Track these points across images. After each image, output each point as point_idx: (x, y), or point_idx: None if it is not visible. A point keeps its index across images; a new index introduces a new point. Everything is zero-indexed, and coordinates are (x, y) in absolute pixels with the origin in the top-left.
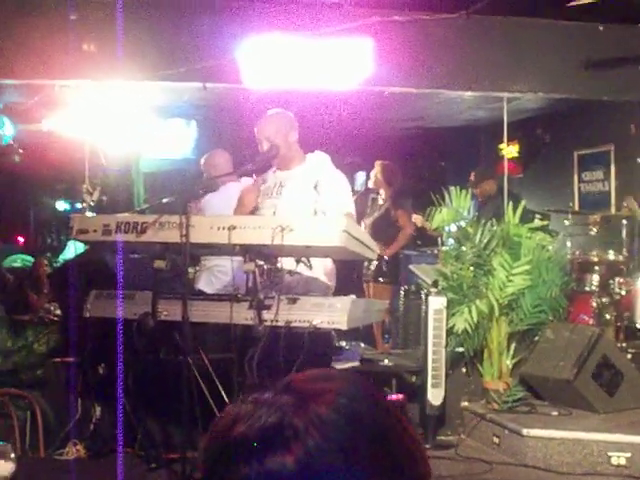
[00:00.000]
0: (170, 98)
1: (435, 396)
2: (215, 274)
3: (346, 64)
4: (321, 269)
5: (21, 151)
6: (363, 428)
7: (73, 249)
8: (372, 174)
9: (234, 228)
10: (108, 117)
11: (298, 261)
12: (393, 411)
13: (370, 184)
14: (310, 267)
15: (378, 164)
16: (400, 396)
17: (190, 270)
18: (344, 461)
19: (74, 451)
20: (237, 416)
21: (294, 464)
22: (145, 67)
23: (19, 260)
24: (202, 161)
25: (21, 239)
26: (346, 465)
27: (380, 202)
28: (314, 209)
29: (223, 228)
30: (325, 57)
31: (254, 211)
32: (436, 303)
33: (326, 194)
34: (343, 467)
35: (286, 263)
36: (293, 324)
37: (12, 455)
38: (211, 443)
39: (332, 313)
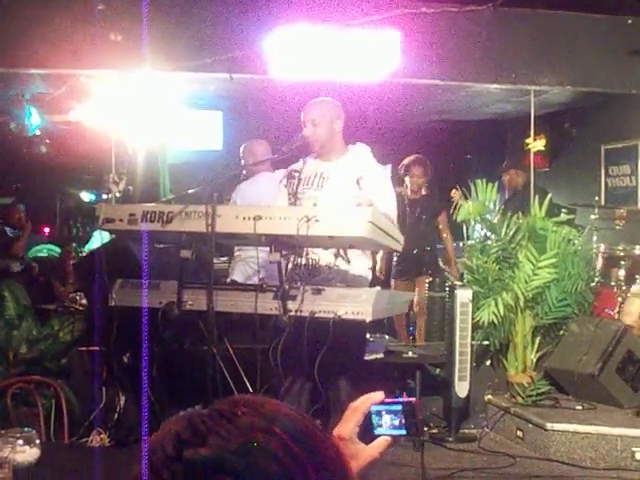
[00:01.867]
0: (196, 89)
1: (461, 389)
2: (250, 265)
3: (373, 56)
4: (358, 263)
5: (48, 141)
6: (261, 435)
7: (99, 239)
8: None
9: (260, 218)
10: (134, 108)
11: (336, 255)
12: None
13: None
14: (348, 261)
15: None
16: (413, 399)
17: (217, 260)
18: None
19: (98, 439)
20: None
21: (209, 454)
22: (171, 58)
23: (45, 250)
24: (242, 148)
25: (47, 229)
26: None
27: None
28: (356, 205)
29: (249, 218)
30: (352, 49)
31: (294, 201)
32: (462, 296)
33: (368, 191)
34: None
35: (324, 257)
36: (317, 314)
37: (37, 442)
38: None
39: (357, 304)
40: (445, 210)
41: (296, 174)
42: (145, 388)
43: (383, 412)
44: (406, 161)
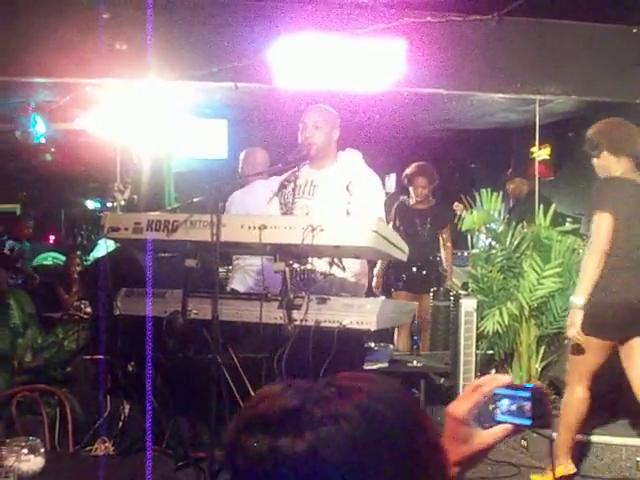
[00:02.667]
0: (202, 98)
1: None
2: (249, 273)
3: (378, 65)
4: (353, 271)
5: (53, 150)
6: (381, 431)
7: (104, 247)
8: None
9: (265, 227)
10: (140, 116)
11: (331, 263)
12: (421, 421)
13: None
14: (343, 269)
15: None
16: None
17: (221, 269)
18: (353, 457)
19: (103, 448)
20: (265, 394)
21: (304, 449)
22: (177, 66)
23: (50, 258)
24: (241, 157)
25: (52, 237)
26: (354, 462)
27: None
28: (347, 210)
29: (254, 227)
30: (357, 58)
31: (286, 211)
32: (467, 305)
33: (358, 195)
34: (351, 463)
35: (319, 265)
36: (322, 324)
37: (42, 450)
38: (238, 417)
39: (362, 314)
40: (451, 221)
41: (289, 184)
42: (149, 397)
43: (507, 397)
44: (409, 170)
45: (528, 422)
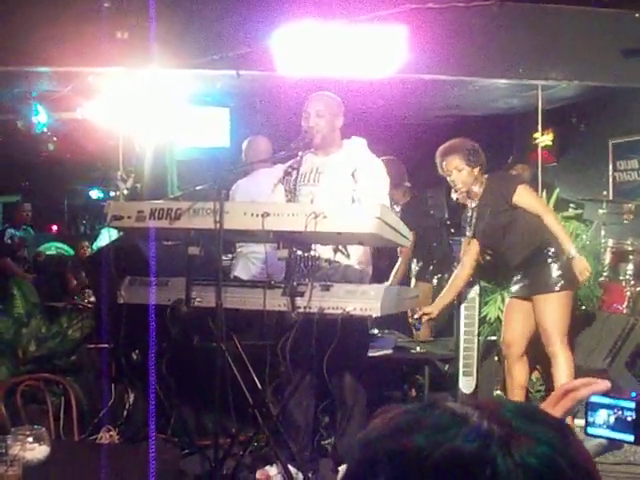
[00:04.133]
0: (203, 86)
1: (466, 385)
2: (252, 261)
3: (380, 52)
4: (357, 257)
5: (55, 139)
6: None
7: (107, 236)
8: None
9: (268, 215)
10: (142, 105)
11: (335, 250)
12: (593, 473)
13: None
14: (347, 255)
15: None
16: None
17: (224, 257)
18: None
19: (107, 437)
20: (415, 423)
21: None
22: (178, 55)
23: (53, 248)
24: (244, 145)
25: (55, 227)
26: None
27: None
28: (352, 197)
29: (257, 215)
30: (359, 45)
31: (291, 198)
32: (469, 292)
33: (363, 182)
34: None
35: (323, 252)
36: (326, 311)
37: (47, 439)
38: (377, 445)
39: (365, 300)
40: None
41: (293, 171)
42: (153, 385)
43: (605, 407)
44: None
45: (631, 438)
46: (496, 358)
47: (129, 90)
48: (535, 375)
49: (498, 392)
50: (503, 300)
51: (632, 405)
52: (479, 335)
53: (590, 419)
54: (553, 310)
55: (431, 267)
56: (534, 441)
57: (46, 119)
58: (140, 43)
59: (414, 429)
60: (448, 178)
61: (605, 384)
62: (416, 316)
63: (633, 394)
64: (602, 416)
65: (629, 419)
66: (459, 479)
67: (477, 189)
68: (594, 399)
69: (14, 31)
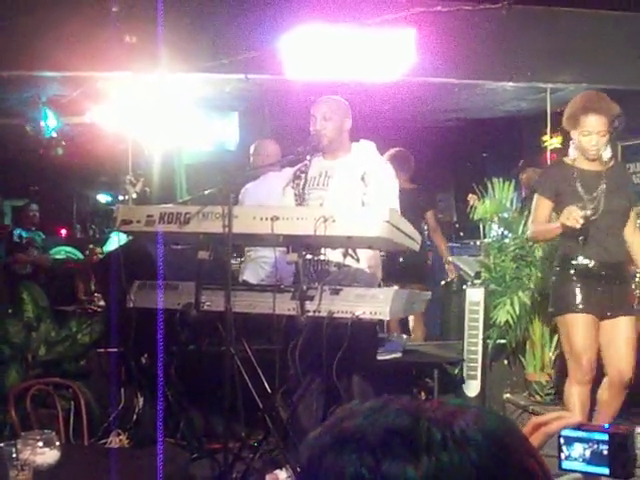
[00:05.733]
0: (212, 90)
1: (470, 388)
2: (260, 265)
3: (388, 55)
4: (367, 260)
5: (64, 143)
6: (504, 457)
7: (116, 241)
8: None
9: (277, 219)
10: (150, 109)
11: (345, 254)
12: (529, 447)
13: None
14: (357, 260)
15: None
16: (625, 428)
17: (235, 261)
18: None
19: (117, 440)
20: (355, 410)
21: (418, 476)
22: (187, 59)
23: (63, 252)
24: (251, 149)
25: (64, 231)
26: None
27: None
28: (361, 200)
29: (266, 219)
30: (367, 48)
31: (300, 202)
32: (473, 295)
33: (373, 186)
34: None
35: (333, 256)
36: (336, 315)
37: (57, 443)
38: (320, 433)
39: (375, 304)
40: (432, 210)
41: (302, 174)
42: (163, 389)
43: (578, 440)
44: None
45: (606, 471)
46: (505, 362)
47: (138, 94)
48: (545, 379)
49: (508, 396)
50: (512, 303)
51: (605, 438)
52: (488, 338)
53: (565, 453)
54: (634, 334)
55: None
56: (470, 414)
57: (55, 123)
58: (148, 47)
59: (353, 415)
60: (586, 136)
61: (576, 418)
62: None
63: (606, 426)
64: (577, 450)
65: (604, 452)
66: (395, 454)
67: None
68: (567, 433)
69: (23, 36)
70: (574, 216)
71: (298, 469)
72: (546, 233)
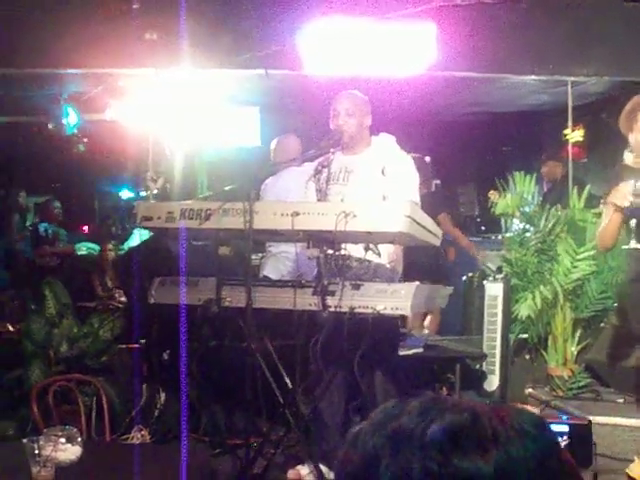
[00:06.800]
0: (233, 86)
1: (489, 383)
2: (281, 260)
3: (409, 50)
4: (389, 255)
5: (86, 140)
6: (556, 449)
7: (138, 237)
8: None
9: (297, 214)
10: (171, 106)
11: (366, 249)
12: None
13: None
14: (379, 254)
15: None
16: (585, 419)
17: (255, 257)
18: (536, 478)
19: (139, 436)
20: (405, 409)
21: (491, 468)
22: (207, 55)
23: (85, 248)
24: (272, 145)
25: (86, 228)
26: None
27: None
28: (382, 195)
29: (286, 214)
30: (388, 42)
31: (321, 197)
32: (492, 289)
33: (393, 179)
34: None
35: (354, 250)
36: (357, 310)
37: (79, 439)
38: (369, 434)
39: (396, 299)
40: (445, 212)
41: (324, 169)
42: (184, 385)
43: None
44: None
45: None
46: (527, 356)
47: (158, 91)
48: (567, 373)
49: (530, 390)
50: (534, 297)
51: (566, 429)
52: (510, 333)
53: None
54: None
55: None
56: (524, 416)
57: (76, 121)
58: (169, 44)
59: (404, 414)
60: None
61: (531, 408)
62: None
63: (564, 417)
64: None
65: (563, 444)
66: (463, 449)
67: None
68: None
69: (44, 33)
70: (622, 192)
71: (348, 470)
72: (603, 231)
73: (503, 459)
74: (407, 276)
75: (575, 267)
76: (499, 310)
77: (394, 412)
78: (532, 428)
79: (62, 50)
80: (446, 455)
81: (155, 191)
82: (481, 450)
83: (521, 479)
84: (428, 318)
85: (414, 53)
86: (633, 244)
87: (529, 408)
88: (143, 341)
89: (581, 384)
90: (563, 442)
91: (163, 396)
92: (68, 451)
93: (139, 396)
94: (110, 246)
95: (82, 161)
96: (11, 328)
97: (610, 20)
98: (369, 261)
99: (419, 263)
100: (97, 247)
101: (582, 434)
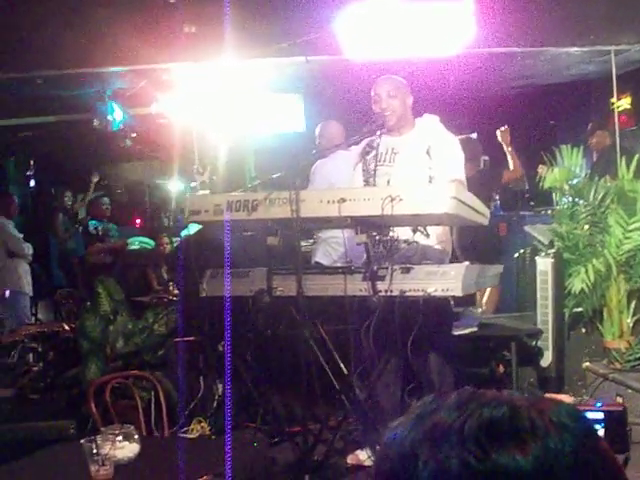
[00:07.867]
0: (274, 74)
1: (545, 359)
2: (332, 245)
3: (448, 28)
4: (438, 236)
5: (133, 135)
6: (595, 442)
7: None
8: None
9: (344, 201)
10: (214, 96)
11: (415, 230)
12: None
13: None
14: (427, 235)
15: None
16: (619, 406)
17: (305, 243)
18: (575, 471)
19: (198, 428)
20: (442, 404)
21: (529, 462)
22: (247, 45)
23: (137, 242)
24: (317, 131)
25: (138, 221)
26: (575, 475)
27: None
28: (429, 175)
29: (333, 201)
30: (426, 22)
31: (368, 178)
32: (542, 264)
33: (438, 159)
34: (574, 476)
35: (402, 233)
36: (407, 293)
37: (136, 437)
38: (406, 430)
39: (446, 280)
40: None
41: (372, 150)
42: (240, 375)
43: None
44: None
45: None
46: (583, 330)
47: (201, 83)
48: (624, 345)
49: (587, 364)
50: (587, 271)
51: (601, 416)
52: (564, 307)
53: None
54: None
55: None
56: (561, 408)
57: (121, 116)
58: (208, 36)
59: (442, 409)
60: None
61: (567, 398)
62: None
63: (598, 404)
64: None
65: (599, 432)
66: (502, 443)
67: None
68: None
69: (86, 33)
70: None
71: (385, 467)
72: None
73: (541, 453)
74: (461, 255)
75: (627, 238)
76: (549, 285)
77: (432, 407)
78: (569, 420)
79: (104, 48)
80: (484, 449)
81: (203, 182)
82: (520, 444)
83: (560, 472)
84: (485, 296)
85: (453, 31)
86: None
87: (565, 399)
88: (198, 334)
89: (638, 356)
90: (599, 430)
91: (220, 387)
92: (126, 448)
93: (197, 388)
94: (166, 239)
95: (130, 156)
96: (67, 327)
97: None
98: (417, 242)
99: (472, 242)
100: (150, 241)
101: (618, 420)
